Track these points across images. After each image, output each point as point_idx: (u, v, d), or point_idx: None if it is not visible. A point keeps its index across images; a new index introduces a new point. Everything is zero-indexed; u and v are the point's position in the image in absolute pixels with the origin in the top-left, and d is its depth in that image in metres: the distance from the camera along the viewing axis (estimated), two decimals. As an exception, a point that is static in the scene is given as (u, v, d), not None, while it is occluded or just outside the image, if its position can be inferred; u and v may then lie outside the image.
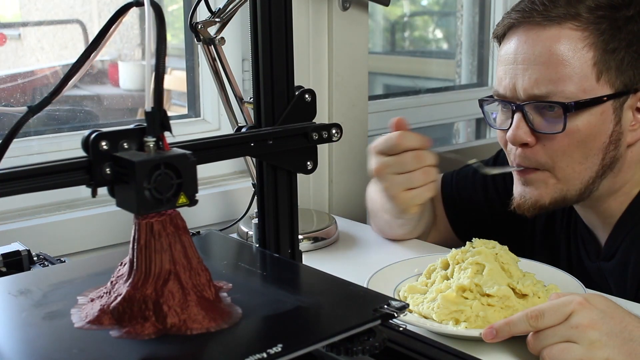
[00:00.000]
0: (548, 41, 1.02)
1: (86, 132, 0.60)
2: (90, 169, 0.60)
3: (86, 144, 0.60)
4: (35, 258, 0.93)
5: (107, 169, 0.60)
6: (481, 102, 1.16)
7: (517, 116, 1.05)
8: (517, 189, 1.10)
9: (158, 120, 0.61)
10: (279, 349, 0.56)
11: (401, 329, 0.71)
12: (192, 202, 0.61)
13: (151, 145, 0.61)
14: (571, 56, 1.01)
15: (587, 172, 1.05)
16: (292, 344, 0.57)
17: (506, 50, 1.08)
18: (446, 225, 1.33)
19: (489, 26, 2.01)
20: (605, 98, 1.02)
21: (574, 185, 1.06)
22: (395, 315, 0.64)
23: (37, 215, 1.19)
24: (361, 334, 0.63)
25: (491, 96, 1.13)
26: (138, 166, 0.58)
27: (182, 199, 0.60)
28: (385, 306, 0.64)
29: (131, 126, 0.62)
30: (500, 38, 1.12)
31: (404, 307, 0.64)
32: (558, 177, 1.05)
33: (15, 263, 0.90)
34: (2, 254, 0.89)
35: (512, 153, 1.08)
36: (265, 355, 0.55)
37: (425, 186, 1.09)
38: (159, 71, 0.60)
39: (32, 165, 0.58)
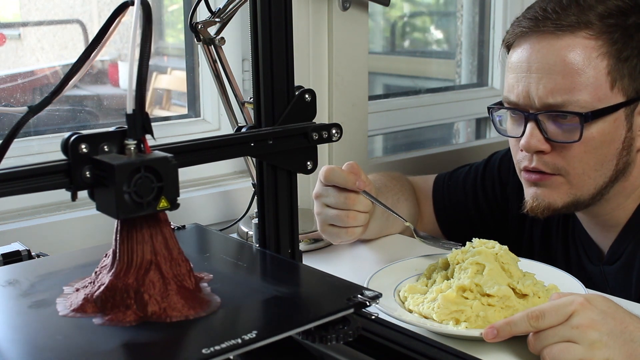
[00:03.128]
0: (563, 50, 1.03)
1: (66, 135, 0.59)
2: (69, 172, 0.59)
3: (65, 146, 0.59)
4: (35, 258, 0.93)
5: (87, 172, 0.59)
6: (490, 109, 1.16)
7: (530, 124, 1.05)
8: (529, 191, 1.10)
9: (139, 122, 0.60)
10: (254, 335, 0.58)
11: (373, 317, 0.73)
12: (174, 206, 0.61)
13: (132, 148, 0.60)
14: (586, 65, 1.02)
15: (601, 177, 1.06)
16: (266, 331, 0.60)
17: (518, 58, 1.08)
18: (434, 224, 1.34)
19: (489, 26, 2.01)
20: (619, 106, 1.03)
21: (588, 191, 1.07)
22: (368, 304, 0.65)
23: (37, 215, 1.19)
24: (336, 323, 0.64)
25: (500, 103, 1.13)
26: (118, 169, 0.57)
27: (163, 203, 0.60)
28: (359, 295, 0.66)
29: (112, 128, 0.61)
30: (510, 45, 1.12)
31: (376, 297, 0.66)
32: (572, 183, 1.06)
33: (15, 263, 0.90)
34: (2, 254, 0.89)
35: (527, 159, 1.08)
36: (239, 341, 0.57)
37: (348, 229, 1.09)
38: (142, 72, 0.59)
39: (10, 168, 0.57)
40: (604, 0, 1.04)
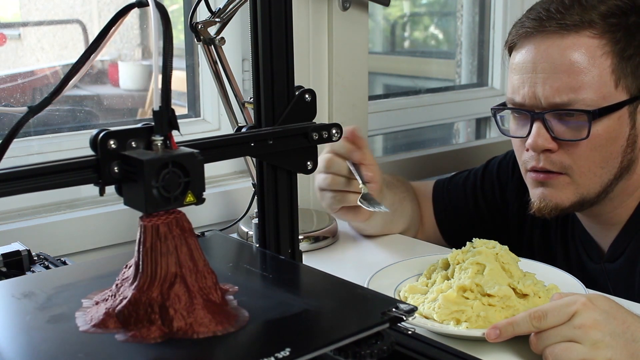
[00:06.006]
0: (568, 50, 1.04)
1: (94, 131, 0.60)
2: (98, 168, 0.60)
3: (94, 142, 0.60)
4: (35, 258, 0.93)
5: (115, 168, 0.60)
6: (494, 111, 1.16)
7: (537, 124, 1.06)
8: (536, 192, 1.10)
9: (166, 119, 0.61)
10: (287, 353, 0.56)
11: (410, 332, 0.70)
12: (200, 200, 0.62)
13: (159, 144, 0.61)
14: (591, 64, 1.03)
15: (607, 175, 1.07)
16: (300, 348, 0.57)
17: (523, 58, 1.08)
18: (434, 228, 1.34)
19: (489, 26, 2.01)
20: (623, 104, 1.04)
21: (594, 189, 1.08)
22: (404, 318, 0.63)
23: (37, 215, 1.19)
24: (369, 338, 0.62)
25: (503, 104, 1.14)
26: (147, 164, 0.58)
27: (190, 198, 0.61)
28: (394, 309, 0.64)
29: (139, 125, 0.62)
30: (514, 46, 1.12)
31: (412, 311, 0.64)
32: (578, 182, 1.07)
33: (15, 263, 0.90)
34: (2, 254, 0.89)
35: (533, 159, 1.08)
36: (273, 359, 0.55)
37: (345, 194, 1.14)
38: (167, 71, 0.60)
39: (40, 164, 0.58)
40: (605, 0, 1.05)
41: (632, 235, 1.12)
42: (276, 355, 0.55)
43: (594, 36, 1.04)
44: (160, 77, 0.60)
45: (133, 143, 0.61)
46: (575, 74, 1.03)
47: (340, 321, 0.65)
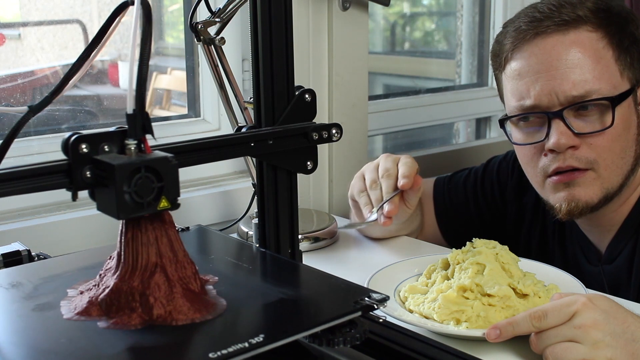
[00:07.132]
0: (573, 45, 1.05)
1: (66, 135, 0.59)
2: (70, 172, 0.59)
3: (66, 146, 0.59)
4: (35, 258, 0.93)
5: (88, 172, 0.59)
6: (503, 121, 1.14)
7: (555, 123, 1.05)
8: (561, 196, 1.08)
9: (140, 122, 0.60)
10: (261, 339, 0.58)
11: (381, 320, 0.73)
12: (174, 206, 0.61)
13: (132, 148, 0.60)
14: (598, 56, 1.05)
15: (626, 165, 1.08)
16: (273, 334, 0.59)
17: (528, 61, 1.07)
18: (434, 227, 1.34)
19: (489, 26, 2.01)
20: (628, 92, 1.06)
21: (617, 181, 1.08)
22: (375, 307, 0.65)
23: (37, 215, 1.19)
24: (343, 326, 0.64)
25: (509, 115, 1.12)
26: (118, 169, 0.57)
27: (164, 203, 0.60)
28: (366, 298, 0.65)
29: (112, 128, 0.61)
30: (509, 56, 1.11)
31: (384, 300, 0.65)
32: (603, 176, 1.07)
33: (15, 263, 0.90)
34: (2, 254, 0.89)
35: (557, 160, 1.06)
36: (247, 344, 0.57)
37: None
38: (142, 73, 0.59)
39: (10, 168, 0.57)
40: None
41: (629, 237, 1.12)
42: (250, 341, 0.57)
43: (591, 30, 1.05)
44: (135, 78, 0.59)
45: (106, 147, 0.60)
46: (587, 66, 1.04)
47: (314, 309, 0.68)
